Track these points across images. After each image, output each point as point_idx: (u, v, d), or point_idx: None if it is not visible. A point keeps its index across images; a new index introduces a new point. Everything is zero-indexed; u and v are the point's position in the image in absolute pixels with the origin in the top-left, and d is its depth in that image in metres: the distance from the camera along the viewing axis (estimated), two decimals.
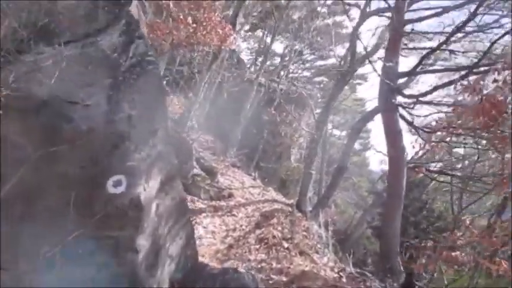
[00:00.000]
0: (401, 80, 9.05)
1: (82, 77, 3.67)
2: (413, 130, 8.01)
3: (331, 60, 32.04)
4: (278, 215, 10.25)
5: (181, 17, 9.54)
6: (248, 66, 25.73)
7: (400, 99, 8.25)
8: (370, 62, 8.14)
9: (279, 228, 9.33)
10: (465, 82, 6.25)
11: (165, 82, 22.27)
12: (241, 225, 9.37)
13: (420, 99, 7.75)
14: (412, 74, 8.20)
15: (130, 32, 3.87)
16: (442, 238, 14.14)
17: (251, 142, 17.09)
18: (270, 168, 16.94)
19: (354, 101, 31.55)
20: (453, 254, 5.91)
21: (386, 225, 7.73)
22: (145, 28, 9.48)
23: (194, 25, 9.79)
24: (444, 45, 7.50)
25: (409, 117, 8.04)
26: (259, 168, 17.01)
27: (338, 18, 27.43)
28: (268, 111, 15.78)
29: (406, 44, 9.53)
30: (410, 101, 8.35)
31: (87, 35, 3.69)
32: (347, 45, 21.70)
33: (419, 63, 7.60)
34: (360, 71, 29.29)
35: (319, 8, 23.80)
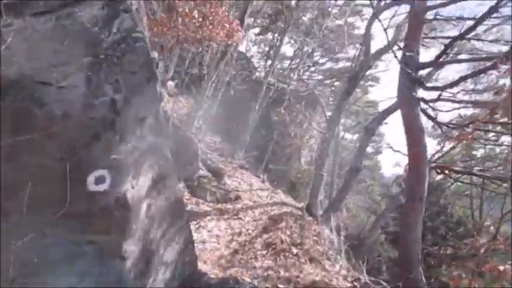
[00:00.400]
0: (421, 73, 8.39)
1: (57, 55, 3.15)
2: (435, 127, 7.35)
3: (343, 63, 31.59)
4: (287, 218, 9.65)
5: (187, 10, 9.11)
6: (258, 69, 25.26)
7: (421, 93, 7.59)
8: (389, 45, 7.43)
9: (288, 232, 8.73)
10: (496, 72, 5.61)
11: (174, 84, 21.98)
12: (247, 229, 8.79)
13: (444, 92, 7.08)
14: (435, 64, 7.54)
15: (114, 3, 3.34)
16: (462, 245, 13.39)
17: (260, 143, 16.55)
18: (279, 171, 16.34)
19: (366, 103, 30.79)
20: (502, 267, 5.19)
21: (406, 230, 7.04)
22: (150, 23, 9.07)
23: (200, 19, 9.37)
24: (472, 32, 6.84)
25: (431, 112, 7.37)
26: (268, 171, 16.43)
27: (350, 19, 27.02)
28: (277, 111, 15.21)
29: (426, 34, 8.88)
30: (432, 94, 7.70)
31: (63, 5, 3.17)
32: (359, 46, 21.23)
33: (444, 51, 6.93)
34: (372, 72, 28.83)
35: (330, 9, 23.30)
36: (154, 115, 3.82)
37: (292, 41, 29.47)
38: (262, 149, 16.46)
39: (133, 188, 3.77)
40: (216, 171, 11.68)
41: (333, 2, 23.55)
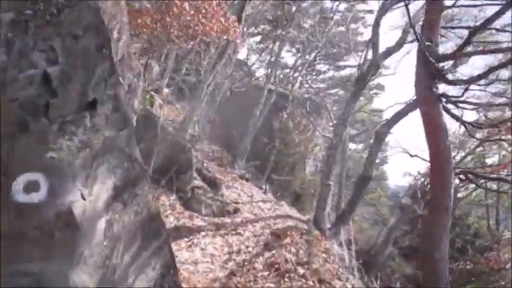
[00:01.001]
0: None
1: None
2: (461, 127, 6.37)
3: (345, 72, 30.84)
4: (292, 233, 8.63)
5: (177, 1, 8.27)
6: (260, 78, 24.48)
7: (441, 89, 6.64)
8: (412, 26, 6.50)
9: (293, 249, 7.70)
10: None
11: (169, 91, 21.14)
12: (247, 246, 7.76)
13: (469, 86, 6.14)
14: (457, 55, 6.58)
15: None
16: (483, 259, 12.28)
17: (261, 152, 15.58)
18: (282, 181, 15.33)
19: (371, 111, 29.81)
20: None
21: (431, 247, 6.02)
22: (133, 14, 8.21)
23: (192, 12, 8.53)
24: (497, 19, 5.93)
25: (456, 111, 6.42)
26: (271, 181, 15.41)
27: (353, 26, 26.32)
28: (279, 116, 14.26)
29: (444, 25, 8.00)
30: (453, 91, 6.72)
31: None
32: (365, 49, 20.47)
33: (467, 40, 6.03)
34: (377, 79, 27.95)
35: (331, 14, 22.58)
36: (112, 101, 2.84)
37: (293, 50, 28.85)
38: (264, 158, 15.47)
39: (84, 199, 2.77)
40: (213, 182, 10.69)
41: (335, 8, 22.89)
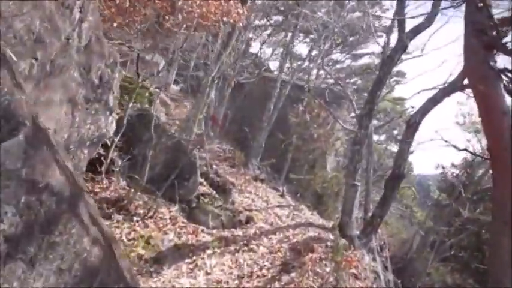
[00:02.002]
0: None
1: None
2: None
3: (364, 60, 29.13)
4: (315, 247, 7.25)
5: None
6: (274, 72, 23.02)
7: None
8: None
9: (318, 270, 6.32)
10: None
11: (178, 88, 19.93)
12: (261, 268, 6.45)
13: None
14: None
15: None
16: None
17: (277, 149, 14.18)
18: (302, 181, 13.90)
19: (394, 100, 27.94)
20: None
21: (495, 256, 4.54)
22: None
23: None
24: None
25: None
26: (289, 181, 14.04)
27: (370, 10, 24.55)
28: (295, 109, 12.83)
29: None
30: None
31: None
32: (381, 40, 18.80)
33: None
34: (397, 68, 26.09)
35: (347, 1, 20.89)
36: None
37: (308, 40, 27.25)
38: (280, 156, 14.09)
39: None
40: (223, 187, 9.40)
41: None
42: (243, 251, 7.15)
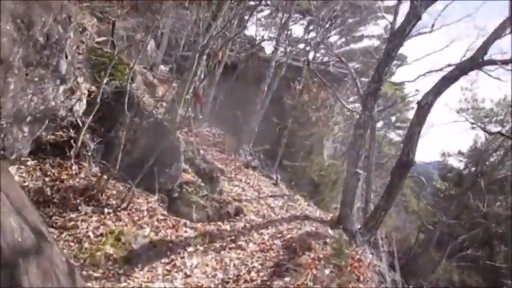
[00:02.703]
0: None
1: None
2: None
3: (364, 43, 27.98)
4: (312, 244, 6.33)
5: None
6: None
7: None
8: None
9: (316, 272, 5.39)
10: None
11: (167, 68, 18.76)
12: (249, 270, 5.52)
13: None
14: None
15: None
16: None
17: (271, 134, 13.17)
18: (297, 168, 12.92)
19: (394, 84, 26.84)
20: None
21: None
22: None
23: None
24: None
25: None
26: (284, 168, 13.08)
27: None
28: (291, 87, 11.78)
29: None
30: None
31: None
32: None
33: None
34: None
35: None
36: None
37: (305, 22, 26.00)
38: (274, 141, 13.08)
39: None
40: (210, 174, 8.41)
41: None
42: (230, 249, 6.21)
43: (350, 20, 26.25)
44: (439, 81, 8.02)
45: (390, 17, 17.29)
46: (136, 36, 16.12)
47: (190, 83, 9.60)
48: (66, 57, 4.18)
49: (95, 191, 6.25)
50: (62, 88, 4.33)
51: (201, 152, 9.86)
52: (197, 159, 8.46)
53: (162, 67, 15.94)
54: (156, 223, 6.40)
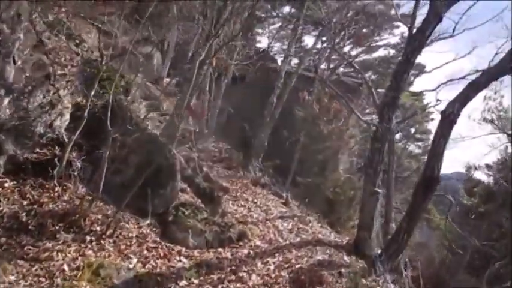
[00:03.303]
0: None
1: None
2: None
3: (379, 53, 27.12)
4: (325, 277, 5.43)
5: None
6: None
7: None
8: None
9: None
10: None
11: (174, 82, 18.21)
12: None
13: None
14: None
15: None
16: None
17: (282, 149, 12.34)
18: (310, 184, 12.03)
19: (411, 95, 25.76)
20: None
21: None
22: None
23: None
24: None
25: None
26: (296, 185, 12.21)
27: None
28: (301, 95, 11.01)
29: None
30: None
31: None
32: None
33: None
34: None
35: None
36: None
37: (316, 33, 25.38)
38: (285, 156, 12.25)
39: None
40: (211, 194, 7.63)
41: None
42: (229, 281, 5.38)
43: (364, 30, 25.52)
44: (466, 87, 7.13)
45: (405, 27, 16.49)
46: (141, 48, 15.74)
47: (191, 95, 8.92)
48: (15, 62, 3.50)
49: (77, 216, 5.56)
50: (6, 100, 3.62)
51: (204, 169, 9.11)
52: (197, 178, 7.68)
53: (167, 79, 15.39)
54: (145, 252, 5.63)
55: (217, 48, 9.25)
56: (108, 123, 5.55)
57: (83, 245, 5.22)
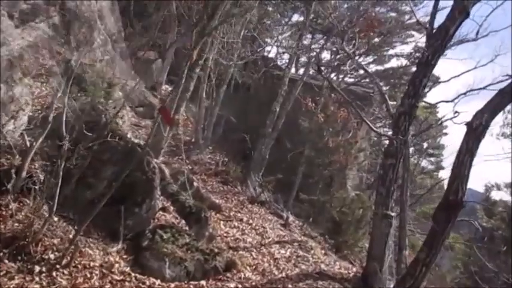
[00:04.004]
0: None
1: None
2: None
3: (391, 64, 26.19)
4: None
5: None
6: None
7: None
8: None
9: None
10: None
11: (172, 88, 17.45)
12: None
13: None
14: None
15: None
16: None
17: (285, 162, 11.33)
18: (315, 202, 10.94)
19: (424, 109, 24.60)
20: None
21: None
22: None
23: None
24: None
25: None
26: (299, 202, 11.15)
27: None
28: (306, 101, 10.05)
29: None
30: None
31: None
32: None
33: None
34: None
35: None
36: None
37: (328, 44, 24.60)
38: (288, 170, 11.22)
39: None
40: (197, 214, 6.60)
41: None
42: None
43: (376, 39, 24.64)
44: (496, 96, 6.08)
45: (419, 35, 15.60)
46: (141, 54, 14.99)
47: (181, 101, 8.00)
48: None
49: (27, 240, 4.60)
50: None
51: (195, 184, 8.12)
52: (182, 195, 6.67)
53: (166, 86, 14.57)
54: (107, 286, 4.63)
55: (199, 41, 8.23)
56: (64, 128, 4.62)
57: (29, 277, 4.25)
